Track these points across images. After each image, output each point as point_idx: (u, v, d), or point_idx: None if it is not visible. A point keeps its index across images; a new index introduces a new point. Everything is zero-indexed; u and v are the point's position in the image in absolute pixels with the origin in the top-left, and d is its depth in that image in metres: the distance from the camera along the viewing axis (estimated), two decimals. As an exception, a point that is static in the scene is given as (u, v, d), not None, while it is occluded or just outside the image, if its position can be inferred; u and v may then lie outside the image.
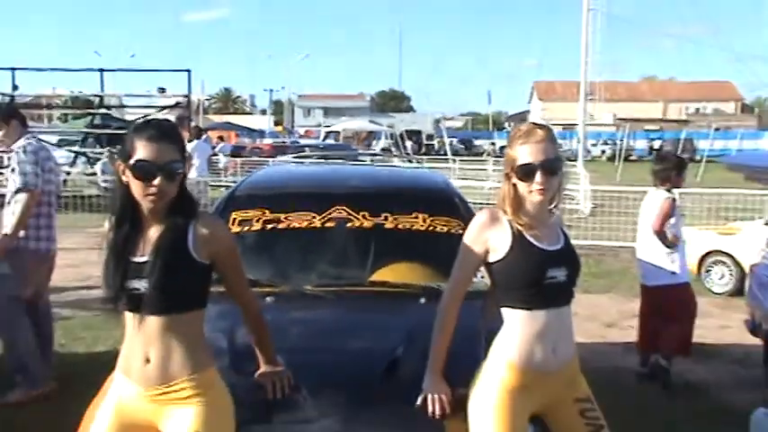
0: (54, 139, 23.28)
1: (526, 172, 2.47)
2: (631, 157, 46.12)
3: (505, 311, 2.53)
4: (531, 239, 2.50)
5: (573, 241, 2.69)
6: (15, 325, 5.12)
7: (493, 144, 47.83)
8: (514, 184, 2.51)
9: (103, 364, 5.58)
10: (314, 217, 3.80)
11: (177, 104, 21.24)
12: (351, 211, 3.83)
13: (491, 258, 2.54)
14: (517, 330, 2.49)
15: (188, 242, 2.36)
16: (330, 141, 35.14)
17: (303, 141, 37.42)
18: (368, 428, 2.50)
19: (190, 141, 14.35)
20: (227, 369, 2.55)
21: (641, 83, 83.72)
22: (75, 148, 20.58)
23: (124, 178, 2.34)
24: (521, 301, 2.49)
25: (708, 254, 9.28)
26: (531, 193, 2.47)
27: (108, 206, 2.53)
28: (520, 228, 2.50)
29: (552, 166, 2.47)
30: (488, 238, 2.54)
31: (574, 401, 2.58)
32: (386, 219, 3.82)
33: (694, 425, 4.85)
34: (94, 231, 12.99)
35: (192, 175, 13.30)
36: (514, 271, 2.49)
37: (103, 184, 16.12)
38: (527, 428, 2.51)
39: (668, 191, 6.15)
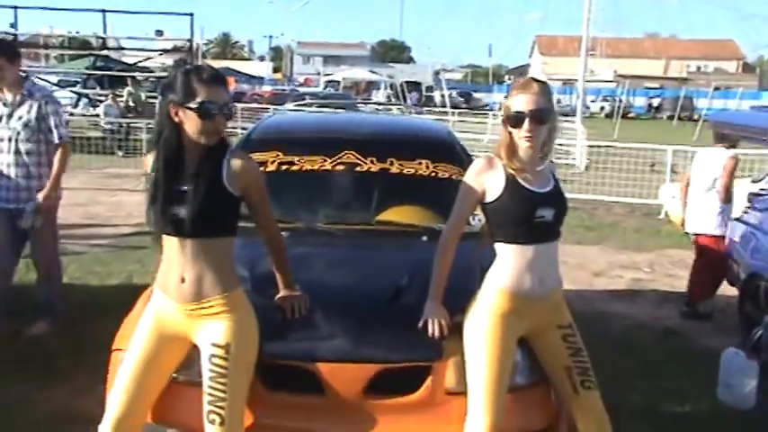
0: (54, 79, 23.39)
1: (517, 119, 2.75)
2: (630, 115, 46.20)
3: (498, 246, 2.83)
4: (523, 183, 2.79)
5: (568, 195, 2.97)
6: (57, 263, 5.46)
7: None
8: (510, 132, 2.80)
9: (117, 295, 5.99)
10: (325, 160, 4.08)
11: (176, 48, 21.31)
12: (359, 156, 4.11)
13: (487, 199, 2.84)
14: (508, 262, 2.79)
15: (223, 175, 2.65)
16: (330, 90, 35.11)
17: (302, 89, 37.41)
18: (374, 347, 2.82)
19: None
20: (252, 292, 2.85)
21: (644, 39, 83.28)
22: (78, 89, 20.66)
23: (176, 118, 2.62)
24: (512, 237, 2.79)
25: (696, 210, 9.59)
26: (521, 139, 2.76)
27: (150, 141, 2.82)
28: (513, 172, 2.79)
29: (541, 116, 2.75)
30: (485, 181, 2.83)
31: (557, 327, 2.90)
32: (392, 164, 4.10)
33: (671, 364, 5.21)
34: (99, 172, 13.30)
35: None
36: (507, 210, 2.79)
37: (107, 126, 16.31)
38: (515, 350, 2.83)
39: (727, 149, 6.40)
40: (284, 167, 4.05)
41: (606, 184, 12.66)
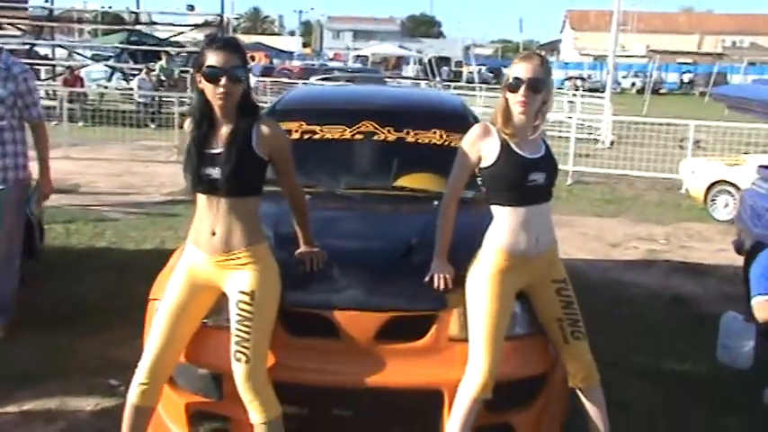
0: (88, 53, 23.89)
1: (514, 85, 3.00)
2: (661, 91, 45.74)
3: (495, 208, 3.09)
4: (515, 149, 3.04)
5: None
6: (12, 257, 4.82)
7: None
8: (507, 98, 3.04)
9: (152, 259, 6.35)
10: (345, 130, 4.36)
11: (207, 23, 21.63)
12: (377, 126, 4.38)
13: (483, 164, 3.09)
14: (504, 223, 3.05)
15: (252, 139, 2.93)
16: (359, 65, 35.27)
17: (331, 64, 37.60)
18: (386, 297, 3.12)
19: None
20: (275, 247, 3.14)
21: (678, 14, 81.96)
22: (111, 63, 21.10)
23: (200, 85, 2.91)
24: (507, 200, 3.05)
25: (714, 183, 9.75)
26: (516, 104, 3.00)
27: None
28: (506, 138, 3.04)
29: (537, 85, 2.99)
30: (481, 147, 3.08)
31: (552, 282, 3.16)
32: (408, 134, 4.37)
33: (676, 329, 5.45)
34: (133, 144, 13.71)
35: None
36: (501, 175, 3.04)
37: (140, 100, 16.71)
38: (513, 303, 3.11)
39: None
40: (307, 136, 4.34)
41: (629, 159, 12.78)
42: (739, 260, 6.51)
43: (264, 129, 2.98)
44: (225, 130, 2.94)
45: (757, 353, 4.38)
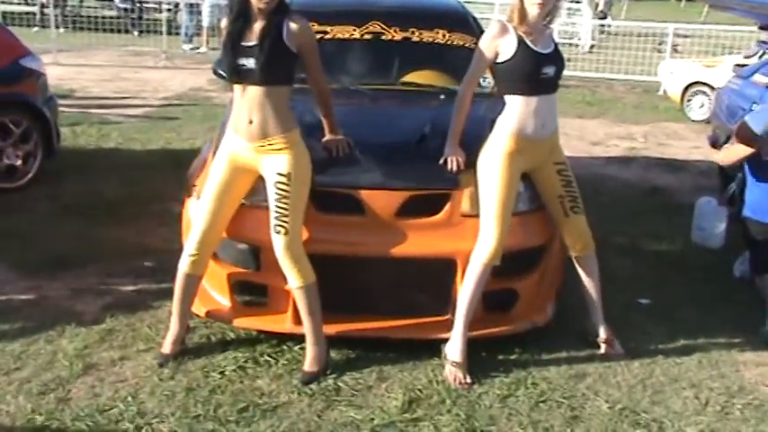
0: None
1: None
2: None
3: (508, 98, 3.44)
4: (531, 45, 3.38)
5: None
6: None
7: None
8: (521, 0, 3.36)
9: (160, 157, 6.67)
10: (354, 30, 4.64)
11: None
12: (384, 26, 4.66)
13: (500, 59, 3.42)
14: (516, 111, 3.41)
15: (283, 33, 3.23)
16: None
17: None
18: (405, 177, 3.50)
19: None
20: (305, 136, 3.47)
21: None
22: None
23: None
24: (520, 90, 3.40)
25: (691, 84, 10.14)
26: (533, 5, 3.32)
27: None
28: (522, 35, 3.37)
29: None
30: (499, 44, 3.41)
31: (554, 164, 3.56)
32: (413, 33, 4.67)
33: (654, 214, 5.94)
34: (119, 49, 13.71)
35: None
36: (518, 68, 3.38)
37: (120, 5, 16.52)
38: (519, 182, 3.50)
39: None
40: (319, 36, 4.60)
41: (608, 63, 13.08)
42: (713, 155, 6.95)
43: (294, 25, 3.27)
44: (258, 26, 3.24)
45: (728, 234, 4.88)
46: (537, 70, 3.39)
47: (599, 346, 3.67)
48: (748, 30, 12.35)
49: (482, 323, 3.53)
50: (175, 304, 3.47)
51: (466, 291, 3.41)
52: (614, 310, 3.89)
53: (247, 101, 3.28)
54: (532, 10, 3.34)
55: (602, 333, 3.68)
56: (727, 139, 6.19)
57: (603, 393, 3.35)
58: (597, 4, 21.70)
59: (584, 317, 3.75)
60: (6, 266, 4.37)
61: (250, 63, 3.21)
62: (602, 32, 16.88)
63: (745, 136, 4.25)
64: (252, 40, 3.23)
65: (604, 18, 18.90)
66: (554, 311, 3.75)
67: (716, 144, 6.62)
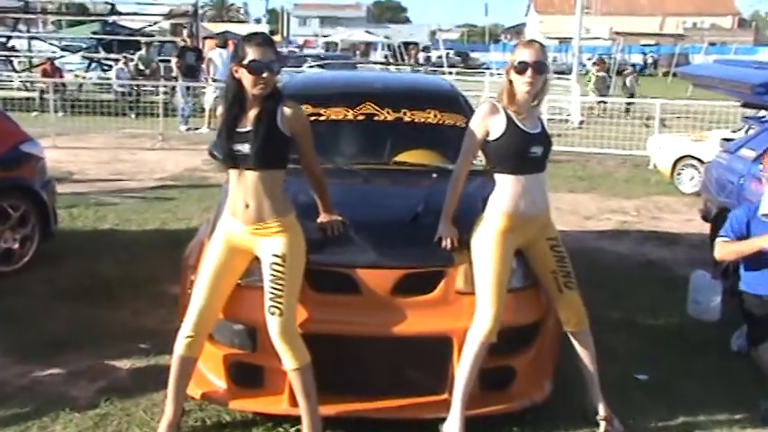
0: (57, 44, 23.83)
1: (521, 68, 3.42)
2: (625, 72, 46.45)
3: (498, 176, 3.51)
4: (520, 124, 3.47)
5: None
6: None
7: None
8: (511, 81, 3.46)
9: (156, 239, 6.69)
10: (348, 111, 4.75)
11: (178, 13, 21.74)
12: (377, 107, 4.78)
13: (490, 138, 3.51)
14: (507, 189, 3.48)
15: (277, 119, 3.32)
16: (331, 52, 35.54)
17: (306, 51, 37.74)
18: (400, 255, 3.54)
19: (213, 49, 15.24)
20: (300, 217, 3.52)
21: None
22: (89, 54, 21.16)
23: (236, 75, 3.28)
24: (510, 169, 3.48)
25: (680, 158, 10.30)
26: (522, 84, 3.42)
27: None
28: (511, 115, 3.47)
29: (540, 67, 3.43)
30: (489, 123, 3.50)
31: (546, 239, 3.61)
32: (405, 113, 4.78)
33: (649, 288, 5.95)
34: (116, 133, 13.90)
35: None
36: (507, 146, 3.47)
37: (119, 89, 16.86)
38: (512, 259, 3.54)
39: None
40: (313, 118, 4.71)
41: (598, 138, 13.29)
42: (706, 228, 7.02)
43: (287, 110, 3.36)
44: (253, 112, 3.33)
45: (725, 307, 4.89)
46: (526, 149, 3.46)
47: (598, 425, 3.64)
48: (734, 105, 12.63)
49: (480, 401, 3.51)
50: (171, 387, 3.45)
51: (463, 369, 3.41)
52: (612, 386, 3.86)
53: (243, 185, 3.34)
54: (521, 89, 3.44)
55: (602, 411, 3.65)
56: (719, 213, 6.29)
57: (604, 472, 3.30)
58: (624, 83, 22.66)
59: (582, 393, 3.73)
60: (0, 351, 4.33)
61: (245, 148, 3.29)
62: (604, 109, 17.44)
63: None
64: (247, 125, 3.31)
65: (632, 96, 19.74)
66: (552, 388, 3.73)
67: (707, 217, 6.73)
